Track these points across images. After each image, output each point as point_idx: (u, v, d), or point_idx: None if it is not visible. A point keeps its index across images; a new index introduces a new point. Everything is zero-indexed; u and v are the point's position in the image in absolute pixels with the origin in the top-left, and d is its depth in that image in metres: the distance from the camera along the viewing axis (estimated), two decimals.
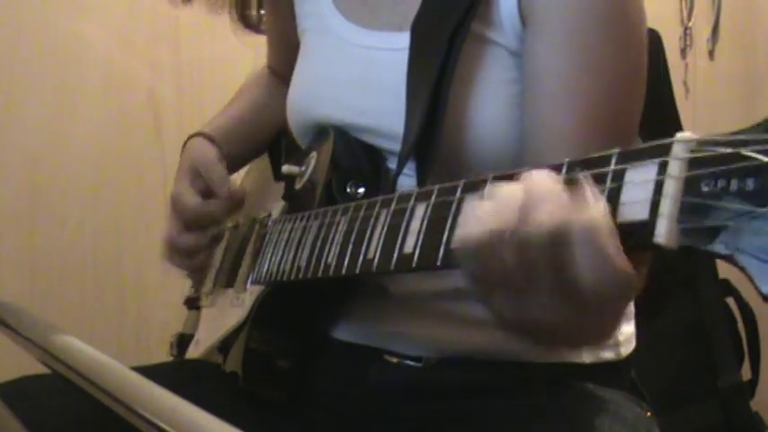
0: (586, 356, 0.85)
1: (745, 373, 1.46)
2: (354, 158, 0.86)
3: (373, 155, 0.85)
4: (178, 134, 1.79)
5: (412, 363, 0.85)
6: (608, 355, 0.87)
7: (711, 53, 2.30)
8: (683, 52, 2.25)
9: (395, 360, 0.86)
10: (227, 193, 0.99)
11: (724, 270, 1.47)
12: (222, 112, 1.12)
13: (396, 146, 0.80)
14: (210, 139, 1.04)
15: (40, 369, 0.65)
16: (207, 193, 1.00)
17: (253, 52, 1.73)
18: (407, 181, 0.79)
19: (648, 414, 0.86)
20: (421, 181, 0.78)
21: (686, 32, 2.25)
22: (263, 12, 1.16)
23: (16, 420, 0.59)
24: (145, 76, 1.79)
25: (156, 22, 1.79)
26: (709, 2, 2.28)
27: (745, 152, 0.39)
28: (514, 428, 0.80)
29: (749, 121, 0.41)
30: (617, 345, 0.87)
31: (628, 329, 0.89)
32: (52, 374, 0.60)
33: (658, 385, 0.93)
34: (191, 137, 1.06)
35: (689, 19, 2.25)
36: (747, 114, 2.17)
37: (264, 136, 1.12)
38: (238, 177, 1.15)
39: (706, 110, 2.22)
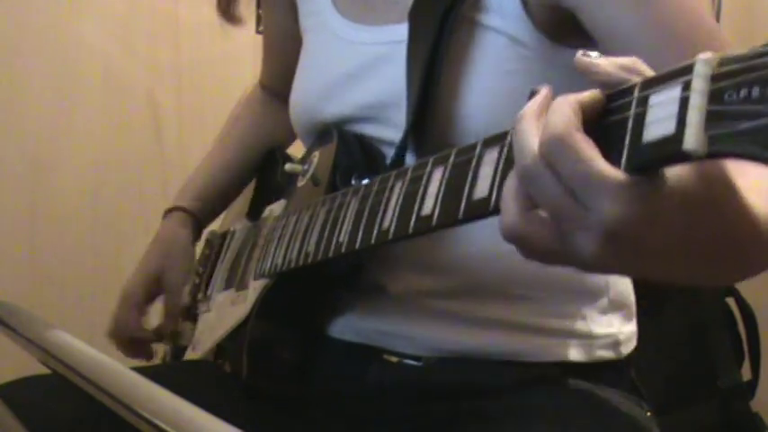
0: (586, 355, 0.86)
1: (746, 373, 1.46)
2: (357, 158, 0.86)
3: (375, 152, 0.86)
4: (178, 134, 1.80)
5: (412, 362, 0.85)
6: (608, 354, 0.87)
7: None
8: None
9: (394, 359, 0.86)
10: (166, 326, 1.04)
11: None
12: (206, 161, 1.16)
13: (400, 135, 0.80)
14: (190, 214, 1.09)
15: (40, 369, 0.65)
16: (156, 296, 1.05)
17: (252, 52, 1.74)
18: None
19: (648, 414, 0.86)
20: None
21: None
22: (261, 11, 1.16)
23: (16, 420, 0.59)
24: (144, 76, 1.80)
25: (156, 22, 1.80)
26: (709, 2, 2.28)
27: (762, 62, 0.41)
28: (514, 428, 0.80)
29: None
30: (617, 344, 0.87)
31: (628, 329, 0.89)
32: (52, 374, 0.60)
33: (658, 385, 0.93)
34: (171, 210, 1.10)
35: None
36: None
37: (252, 169, 1.15)
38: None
39: None
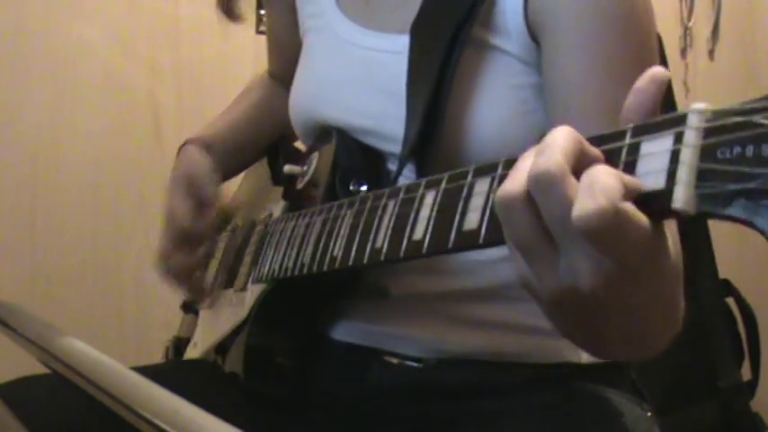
0: (587, 357, 0.85)
1: (746, 373, 1.46)
2: (356, 159, 0.86)
3: (375, 157, 0.86)
4: (178, 134, 1.80)
5: (412, 364, 0.85)
6: None
7: (711, 53, 2.29)
8: (683, 52, 2.25)
9: (395, 361, 0.86)
10: (218, 210, 0.98)
11: (724, 270, 1.47)
12: (220, 117, 1.12)
13: (397, 148, 0.80)
14: (206, 146, 1.03)
15: (40, 369, 0.65)
16: (199, 207, 0.98)
17: (252, 52, 1.74)
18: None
19: (649, 414, 0.86)
20: None
21: (686, 32, 2.25)
22: (263, 12, 1.16)
23: (16, 420, 0.59)
24: (144, 77, 1.80)
25: (156, 22, 1.80)
26: (709, 2, 2.28)
27: (758, 119, 0.40)
28: (514, 429, 0.80)
29: None
30: None
31: None
32: (52, 374, 0.60)
33: (658, 386, 0.93)
34: (187, 142, 1.05)
35: (689, 19, 2.25)
36: None
37: (263, 141, 1.12)
38: (235, 182, 1.16)
39: None
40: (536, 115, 0.79)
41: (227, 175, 1.07)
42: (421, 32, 0.81)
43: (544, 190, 0.45)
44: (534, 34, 0.78)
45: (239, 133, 1.09)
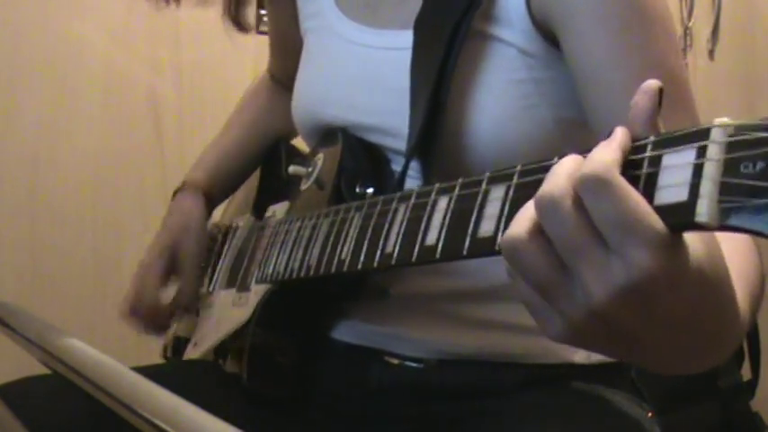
0: (587, 357, 0.85)
1: (746, 373, 1.46)
2: (362, 161, 0.86)
3: (380, 157, 0.86)
4: (178, 134, 1.80)
5: (413, 364, 0.85)
6: None
7: (711, 53, 2.29)
8: (683, 52, 2.25)
9: (396, 361, 0.86)
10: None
11: None
12: (217, 141, 1.15)
13: (401, 144, 0.80)
14: (204, 191, 1.07)
15: (40, 369, 0.65)
16: (171, 278, 1.03)
17: (252, 52, 1.73)
18: (413, 182, 0.79)
19: (649, 414, 0.86)
20: (426, 181, 0.78)
21: (686, 32, 2.25)
22: (263, 12, 1.16)
23: (16, 420, 0.59)
24: (145, 76, 1.79)
25: (156, 22, 1.79)
26: (710, 2, 2.28)
27: None
28: (514, 429, 0.80)
29: None
30: None
31: None
32: (52, 374, 0.60)
33: (658, 385, 0.92)
34: (183, 187, 1.08)
35: (689, 19, 2.25)
36: (747, 115, 2.16)
37: (262, 153, 1.14)
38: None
39: (706, 110, 2.21)
40: (538, 110, 0.79)
41: (222, 200, 1.13)
42: (424, 27, 0.80)
43: (550, 213, 0.46)
44: (545, 28, 0.77)
45: (231, 160, 1.13)
